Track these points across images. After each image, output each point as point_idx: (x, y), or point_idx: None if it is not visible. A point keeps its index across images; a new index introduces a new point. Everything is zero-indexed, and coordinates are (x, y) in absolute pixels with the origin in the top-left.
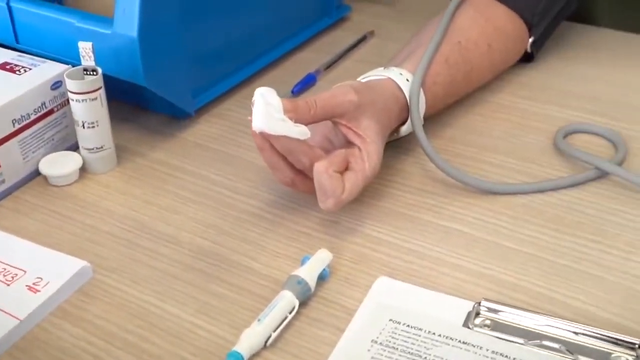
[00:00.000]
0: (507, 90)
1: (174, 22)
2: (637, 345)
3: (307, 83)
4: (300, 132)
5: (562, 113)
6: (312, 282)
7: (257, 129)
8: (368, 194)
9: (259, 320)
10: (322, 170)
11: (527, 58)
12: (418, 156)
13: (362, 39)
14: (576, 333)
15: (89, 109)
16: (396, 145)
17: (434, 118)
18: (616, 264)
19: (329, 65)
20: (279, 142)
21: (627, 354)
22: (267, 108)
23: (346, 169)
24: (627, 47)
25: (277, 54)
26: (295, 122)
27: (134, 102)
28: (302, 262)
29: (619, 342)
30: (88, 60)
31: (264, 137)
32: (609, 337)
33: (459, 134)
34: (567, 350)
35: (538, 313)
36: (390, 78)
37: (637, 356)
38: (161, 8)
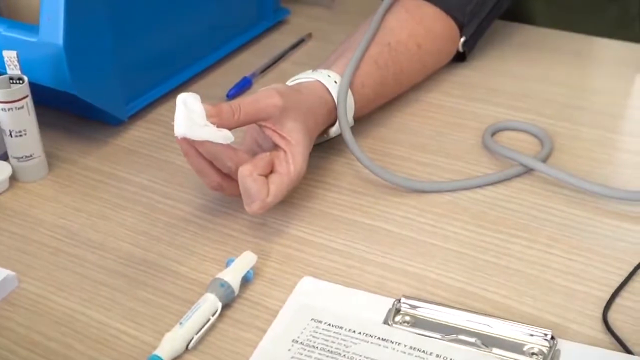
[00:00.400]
0: (439, 90)
1: (102, 29)
2: (549, 336)
3: (242, 87)
4: (223, 136)
5: (492, 111)
6: (235, 285)
7: (179, 135)
8: (297, 195)
9: (180, 323)
10: (246, 174)
11: (460, 57)
12: (350, 157)
13: (300, 42)
14: (492, 326)
15: (15, 118)
16: (328, 146)
17: (366, 118)
18: (537, 257)
19: (265, 69)
20: (204, 147)
21: (540, 344)
22: (188, 114)
23: (271, 171)
24: (559, 45)
25: (213, 59)
26: (219, 127)
27: (67, 109)
28: (227, 265)
29: (533, 333)
30: (13, 69)
31: (189, 142)
32: (523, 329)
33: (390, 133)
34: (483, 344)
35: (456, 308)
36: (318, 80)
37: (550, 347)
38: (87, 15)
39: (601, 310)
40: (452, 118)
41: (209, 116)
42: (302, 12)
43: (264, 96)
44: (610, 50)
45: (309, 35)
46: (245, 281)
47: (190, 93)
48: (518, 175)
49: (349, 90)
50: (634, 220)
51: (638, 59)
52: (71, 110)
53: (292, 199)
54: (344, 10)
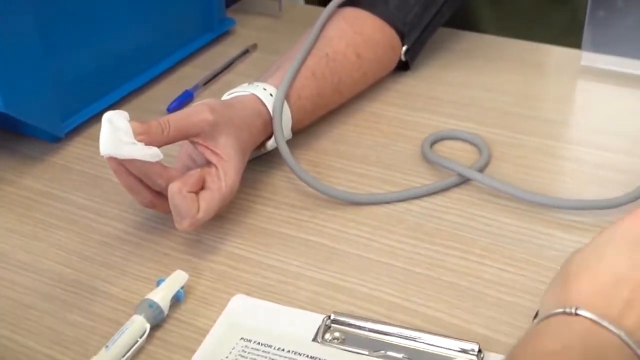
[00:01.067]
0: (381, 99)
1: (31, 44)
2: (476, 350)
3: (183, 100)
4: (151, 154)
5: (434, 120)
6: (165, 305)
7: (105, 154)
8: (234, 210)
9: (107, 347)
10: (176, 191)
11: (404, 66)
12: (288, 170)
13: (244, 53)
14: (420, 341)
15: None
16: (267, 159)
17: (308, 130)
18: (469, 269)
19: (208, 81)
20: (133, 165)
21: (467, 358)
22: (114, 132)
23: (203, 188)
24: (505, 52)
25: (155, 72)
26: (149, 144)
27: (3, 127)
28: (157, 284)
29: (461, 347)
30: None
31: (117, 161)
32: (451, 343)
33: (331, 145)
34: (410, 359)
35: (386, 323)
36: (253, 94)
37: None
38: (14, 30)
39: (530, 321)
40: (394, 128)
41: (136, 133)
42: (249, 22)
43: (194, 111)
44: (555, 57)
45: (254, 46)
46: (176, 301)
47: (117, 111)
48: (455, 186)
49: (285, 103)
50: (567, 229)
51: (581, 66)
52: (5, 127)
53: (228, 214)
54: (290, 20)
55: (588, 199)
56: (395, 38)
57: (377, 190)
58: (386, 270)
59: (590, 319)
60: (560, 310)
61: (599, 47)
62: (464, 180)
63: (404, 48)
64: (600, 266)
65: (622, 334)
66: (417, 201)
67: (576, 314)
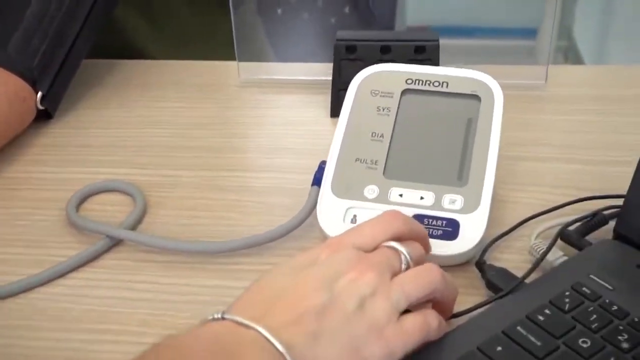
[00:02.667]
0: (22, 159)
1: None
2: None
3: None
4: None
5: (85, 173)
6: None
7: None
8: None
9: None
10: None
11: (47, 115)
12: None
13: None
14: None
15: None
16: None
17: None
18: (124, 354)
19: None
20: None
21: None
22: None
23: None
24: (163, 77)
25: None
26: None
27: None
28: None
29: None
30: None
31: None
32: None
33: None
34: None
35: None
36: None
37: None
38: None
39: None
40: (38, 192)
41: None
42: None
43: None
44: (215, 73)
45: None
46: None
47: None
48: (107, 251)
49: None
50: (234, 274)
51: (242, 79)
52: None
53: None
54: None
55: (254, 234)
56: (24, 86)
57: (16, 278)
58: None
59: (232, 320)
60: (210, 317)
61: (253, 56)
62: (116, 242)
63: (39, 95)
64: (261, 282)
65: (261, 329)
66: (62, 280)
67: (222, 319)
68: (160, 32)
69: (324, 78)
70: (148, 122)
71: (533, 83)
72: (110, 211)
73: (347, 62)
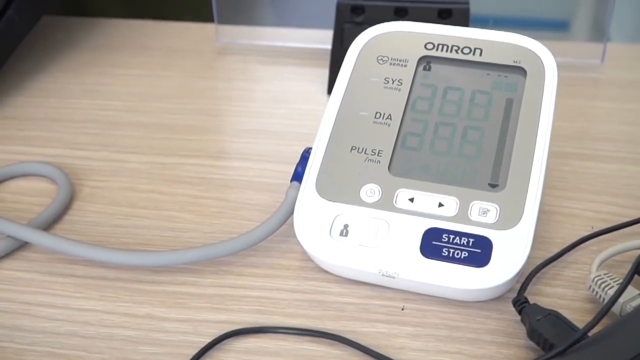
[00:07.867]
0: None
1: None
2: None
3: None
4: None
5: (3, 153)
6: None
7: None
8: None
9: None
10: None
11: None
12: None
13: None
14: None
15: None
16: None
17: None
18: None
19: None
20: None
21: None
22: None
23: None
24: (127, 39)
25: None
26: None
27: None
28: None
29: None
30: None
31: None
32: None
33: None
34: None
35: None
36: None
37: None
38: None
39: None
40: None
41: None
42: None
43: None
44: (190, 37)
45: None
46: None
47: None
48: (5, 256)
49: None
50: (171, 302)
51: (219, 44)
52: None
53: None
54: None
55: (210, 242)
56: None
57: None
58: None
59: None
60: None
61: (235, 18)
62: (19, 246)
63: None
64: None
65: None
66: None
67: None
68: None
69: (321, 46)
70: (99, 91)
71: (587, 62)
72: (23, 203)
73: (351, 26)
